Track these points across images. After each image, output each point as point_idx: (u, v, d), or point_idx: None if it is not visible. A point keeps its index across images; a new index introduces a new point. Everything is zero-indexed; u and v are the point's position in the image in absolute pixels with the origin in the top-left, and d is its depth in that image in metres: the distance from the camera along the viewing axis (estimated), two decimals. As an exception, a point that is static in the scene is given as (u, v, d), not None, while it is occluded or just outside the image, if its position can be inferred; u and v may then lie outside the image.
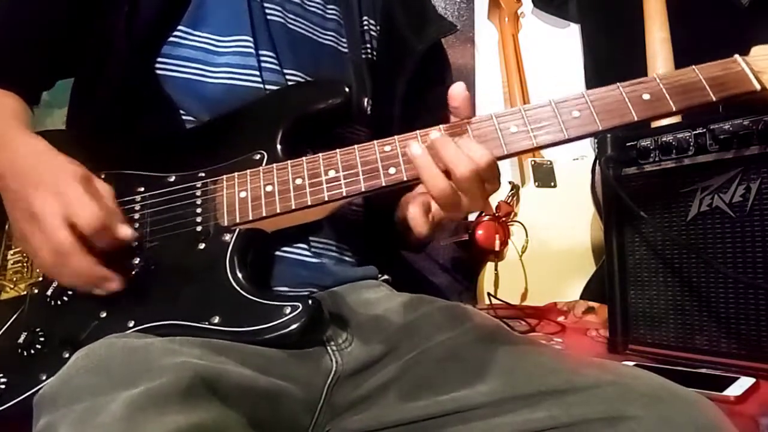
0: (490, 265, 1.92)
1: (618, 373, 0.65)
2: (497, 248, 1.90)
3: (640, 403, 0.61)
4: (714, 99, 0.72)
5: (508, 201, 1.97)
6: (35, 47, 0.85)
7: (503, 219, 1.93)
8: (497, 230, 1.90)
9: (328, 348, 0.74)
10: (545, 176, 2.00)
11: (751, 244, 1.02)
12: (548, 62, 2.23)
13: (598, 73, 2.15)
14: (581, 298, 1.69)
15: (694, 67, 0.73)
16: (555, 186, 1.99)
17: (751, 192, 1.02)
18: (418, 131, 0.72)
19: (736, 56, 0.74)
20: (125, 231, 0.72)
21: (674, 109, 0.71)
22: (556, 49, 2.26)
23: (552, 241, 1.92)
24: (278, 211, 0.74)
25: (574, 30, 2.25)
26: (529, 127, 0.70)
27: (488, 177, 0.68)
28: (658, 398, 0.61)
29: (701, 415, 0.60)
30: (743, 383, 0.95)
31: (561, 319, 1.58)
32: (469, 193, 0.68)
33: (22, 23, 0.85)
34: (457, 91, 0.71)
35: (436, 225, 0.75)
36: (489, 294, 1.83)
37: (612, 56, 2.08)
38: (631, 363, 1.09)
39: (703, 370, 1.04)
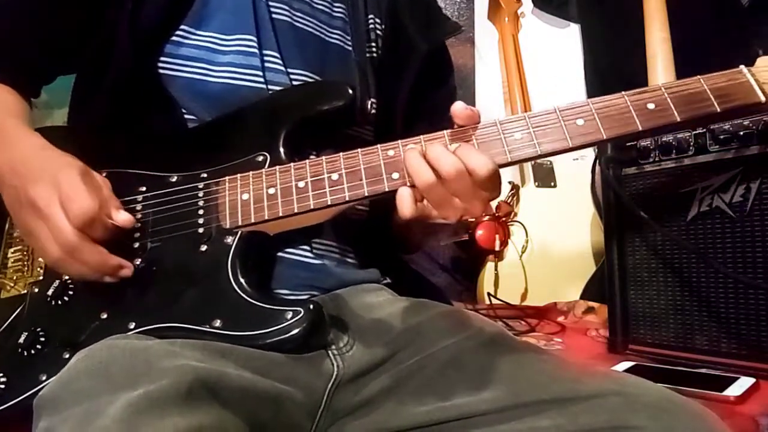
0: (490, 265, 1.93)
1: (622, 383, 0.65)
2: (497, 248, 1.90)
3: (644, 413, 0.60)
4: (718, 110, 0.71)
5: (508, 201, 1.97)
6: (35, 40, 0.85)
7: (503, 219, 1.93)
8: (497, 230, 1.90)
9: (329, 352, 0.73)
10: (545, 176, 2.00)
11: (751, 245, 1.02)
12: (548, 62, 2.23)
13: (598, 72, 2.15)
14: (581, 298, 1.69)
15: (699, 77, 0.72)
16: (555, 186, 1.99)
17: (751, 192, 1.02)
18: (422, 136, 0.72)
19: (742, 67, 0.73)
20: (122, 216, 0.71)
21: (678, 120, 0.70)
22: (556, 49, 2.26)
23: (552, 241, 1.92)
24: (280, 214, 0.74)
25: (574, 30, 2.25)
26: (533, 134, 0.70)
27: (481, 181, 0.66)
28: (663, 409, 0.61)
29: (705, 426, 0.60)
30: (743, 383, 0.95)
31: (561, 319, 1.59)
32: (460, 195, 0.67)
33: (22, 15, 0.84)
34: (458, 109, 0.70)
35: (426, 219, 0.73)
36: (489, 294, 1.83)
37: (612, 56, 2.08)
38: (631, 363, 1.09)
39: (703, 370, 1.04)
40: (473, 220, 1.87)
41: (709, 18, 1.77)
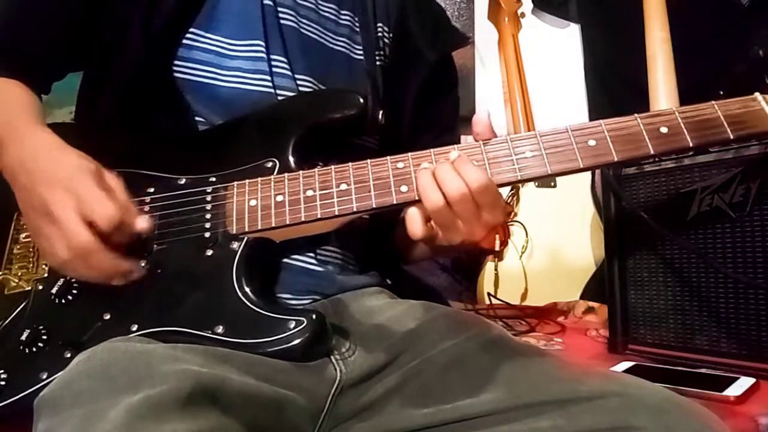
0: (490, 265, 1.93)
1: (623, 384, 0.65)
2: (497, 248, 1.90)
3: (645, 414, 0.61)
4: (732, 137, 0.71)
5: (508, 201, 1.97)
6: (48, 36, 0.84)
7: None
8: (497, 230, 1.90)
9: (332, 358, 0.73)
10: (545, 176, 2.00)
11: (751, 244, 1.02)
12: (548, 62, 2.23)
13: (598, 72, 2.15)
14: (581, 298, 1.69)
15: (713, 102, 0.71)
16: (555, 186, 1.99)
17: (751, 192, 1.02)
18: (432, 149, 0.72)
19: (757, 94, 0.73)
20: (143, 223, 0.71)
21: (691, 145, 0.70)
22: (556, 49, 2.26)
23: (552, 241, 1.92)
24: (287, 222, 0.73)
25: (574, 30, 2.26)
26: (544, 154, 0.69)
27: (484, 202, 0.66)
28: (664, 410, 0.61)
29: (706, 427, 0.61)
30: (743, 383, 0.95)
31: (561, 319, 1.59)
32: (462, 216, 0.67)
33: (34, 10, 0.84)
34: (482, 117, 0.71)
35: (432, 240, 0.72)
36: (489, 294, 1.83)
37: (612, 56, 2.09)
38: (631, 363, 1.09)
39: (703, 370, 1.04)
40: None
41: (709, 18, 1.78)
